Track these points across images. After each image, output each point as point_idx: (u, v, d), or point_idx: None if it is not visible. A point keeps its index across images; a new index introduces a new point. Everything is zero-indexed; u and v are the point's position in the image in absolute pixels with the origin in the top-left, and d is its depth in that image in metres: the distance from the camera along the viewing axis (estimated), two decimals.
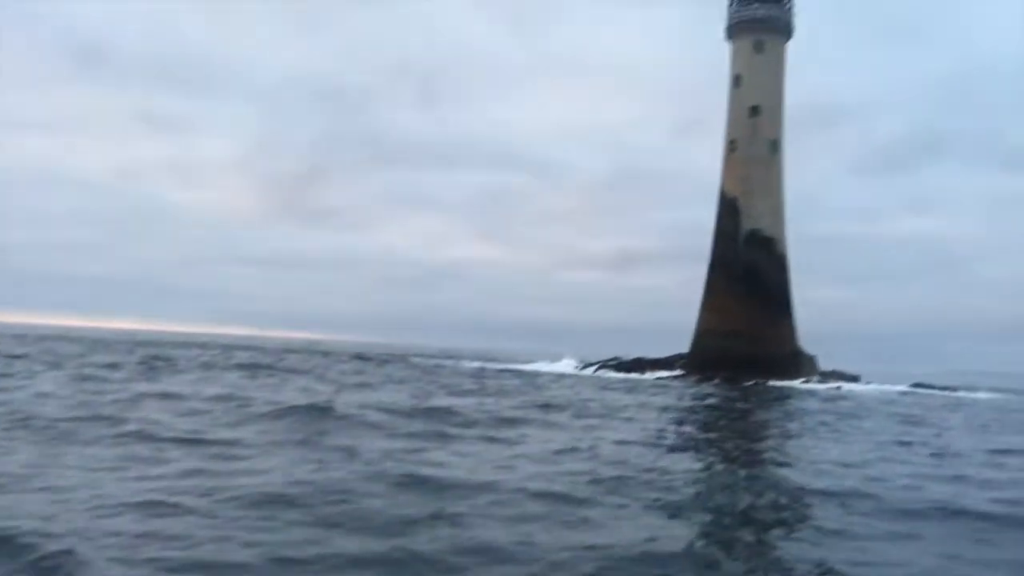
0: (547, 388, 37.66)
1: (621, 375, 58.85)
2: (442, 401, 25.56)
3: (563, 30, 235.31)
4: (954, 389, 61.31)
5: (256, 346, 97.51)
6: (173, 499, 9.72)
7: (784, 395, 42.04)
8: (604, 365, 65.54)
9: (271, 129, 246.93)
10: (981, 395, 57.18)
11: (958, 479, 14.41)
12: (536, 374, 54.54)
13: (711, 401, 35.19)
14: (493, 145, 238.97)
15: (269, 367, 43.44)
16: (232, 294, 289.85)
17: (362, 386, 32.35)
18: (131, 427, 15.67)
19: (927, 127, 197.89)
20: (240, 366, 42.80)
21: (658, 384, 48.05)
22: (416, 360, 69.75)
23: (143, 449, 13.46)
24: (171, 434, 15.02)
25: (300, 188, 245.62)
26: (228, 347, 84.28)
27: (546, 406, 26.23)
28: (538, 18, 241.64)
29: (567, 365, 68.07)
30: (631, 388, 41.42)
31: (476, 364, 68.84)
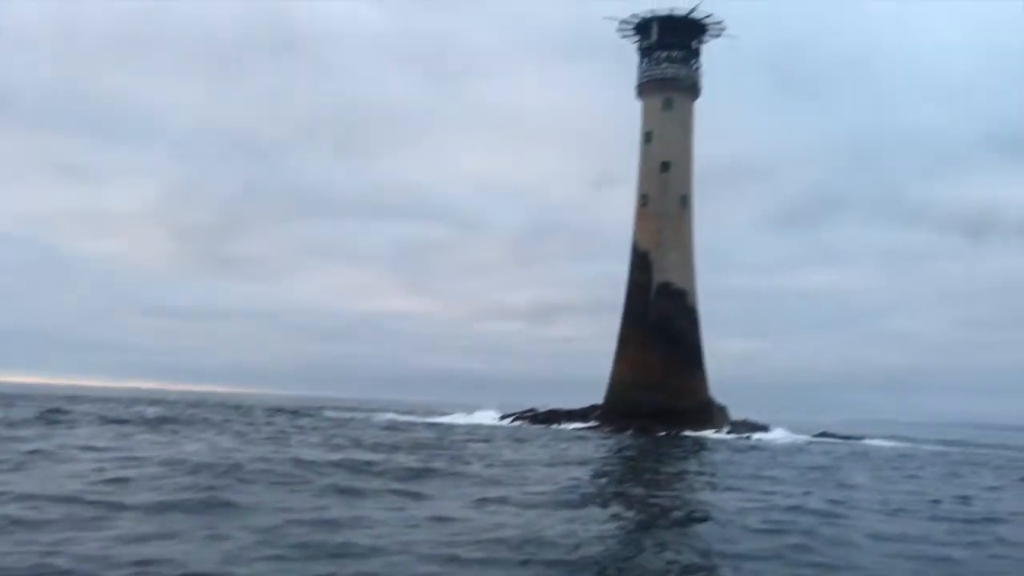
0: (460, 441, 37.20)
1: (537, 426, 58.61)
2: (352, 455, 24.97)
3: (482, 85, 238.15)
4: (858, 438, 62.89)
5: (166, 400, 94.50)
6: (47, 562, 9.15)
7: (697, 446, 42.37)
8: (520, 416, 65.31)
9: (185, 178, 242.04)
10: (882, 443, 58.75)
11: (866, 534, 14.51)
12: (452, 426, 53.97)
13: (624, 453, 35.23)
14: (413, 197, 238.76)
15: (174, 421, 42.02)
16: (143, 347, 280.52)
17: (272, 440, 31.47)
18: (14, 488, 14.84)
19: (833, 184, 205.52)
20: (144, 420, 41.30)
21: (572, 435, 47.94)
22: (331, 413, 68.40)
23: (22, 511, 12.70)
24: (57, 493, 14.26)
25: (215, 238, 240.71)
26: (135, 401, 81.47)
27: (457, 459, 25.86)
28: (457, 72, 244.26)
29: (484, 416, 67.63)
30: (545, 440, 41.19)
31: (389, 416, 67.94)
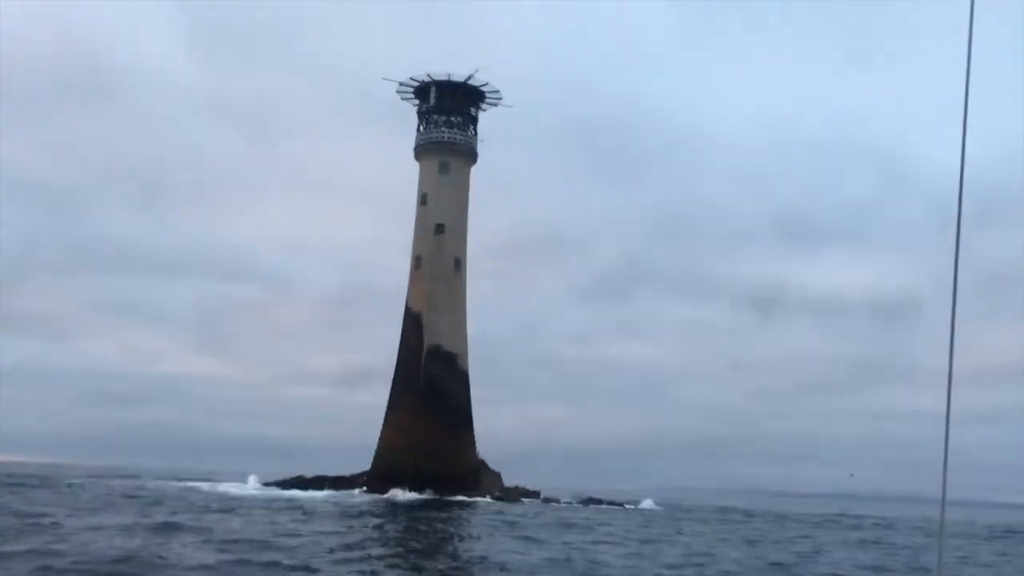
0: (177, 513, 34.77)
1: (300, 493, 56.08)
2: None
3: (296, 145, 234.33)
4: (621, 504, 64.07)
5: None
6: None
7: (450, 512, 41.39)
8: (285, 483, 62.63)
9: None
10: (645, 506, 60.28)
11: None
12: (202, 493, 50.82)
13: (368, 520, 33.77)
14: (219, 255, 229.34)
15: None
16: None
17: None
18: None
19: (639, 258, 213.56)
20: None
21: (327, 502, 45.87)
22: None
23: None
24: None
25: None
26: None
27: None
28: (271, 131, 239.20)
29: (239, 487, 64.29)
30: (296, 508, 38.77)
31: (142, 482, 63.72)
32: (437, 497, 52.93)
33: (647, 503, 66.07)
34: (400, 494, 52.96)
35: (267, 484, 63.08)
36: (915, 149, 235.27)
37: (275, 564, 17.06)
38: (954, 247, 5.58)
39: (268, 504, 41.32)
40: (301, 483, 61.38)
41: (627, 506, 62.44)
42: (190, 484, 63.02)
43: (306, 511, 36.87)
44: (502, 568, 18.99)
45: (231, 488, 58.20)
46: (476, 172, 63.57)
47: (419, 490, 53.71)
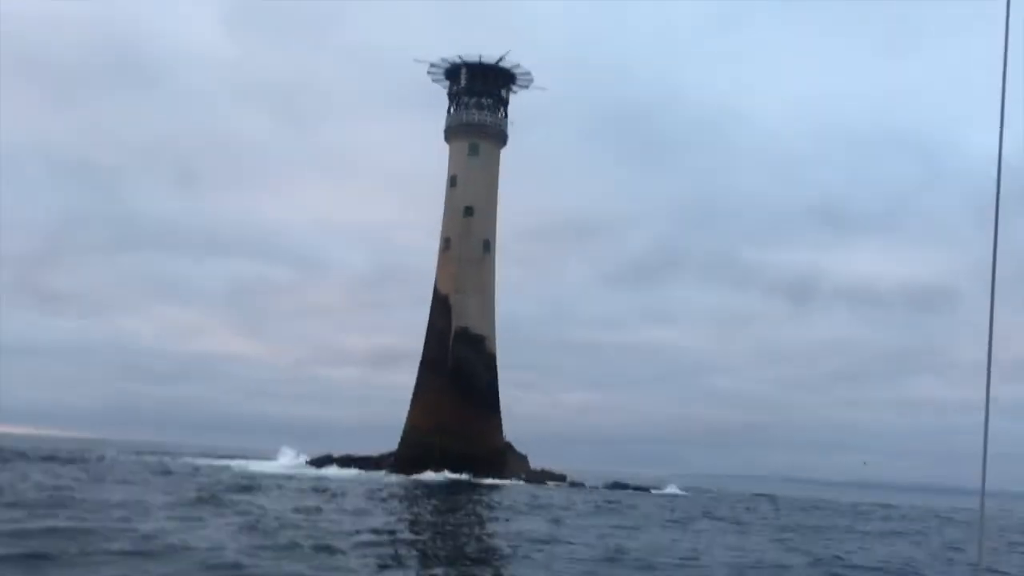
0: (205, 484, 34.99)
1: (328, 472, 56.48)
2: None
3: (330, 127, 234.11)
4: (647, 489, 63.97)
5: None
6: None
7: (478, 495, 41.37)
8: (312, 462, 63.09)
9: (2, 203, 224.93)
10: (669, 491, 60.29)
11: None
12: (235, 471, 51.24)
13: (395, 502, 33.75)
14: (253, 235, 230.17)
15: None
16: None
17: None
18: None
19: (670, 244, 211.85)
20: None
21: (355, 482, 46.05)
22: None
23: None
24: None
25: (33, 269, 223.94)
26: None
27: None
28: (305, 113, 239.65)
29: (269, 465, 64.84)
30: (324, 490, 38.86)
31: (185, 460, 64.36)
32: (467, 479, 53.15)
33: (672, 488, 66.11)
34: (430, 475, 53.28)
35: (295, 461, 63.73)
36: (952, 138, 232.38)
37: (297, 546, 16.99)
38: (992, 235, 5.27)
39: (296, 484, 41.52)
40: (328, 462, 61.83)
41: (653, 491, 62.44)
42: (220, 462, 63.65)
43: (333, 492, 36.97)
44: (528, 555, 18.84)
45: (260, 466, 58.69)
46: (506, 155, 63.56)
47: (455, 471, 53.92)
